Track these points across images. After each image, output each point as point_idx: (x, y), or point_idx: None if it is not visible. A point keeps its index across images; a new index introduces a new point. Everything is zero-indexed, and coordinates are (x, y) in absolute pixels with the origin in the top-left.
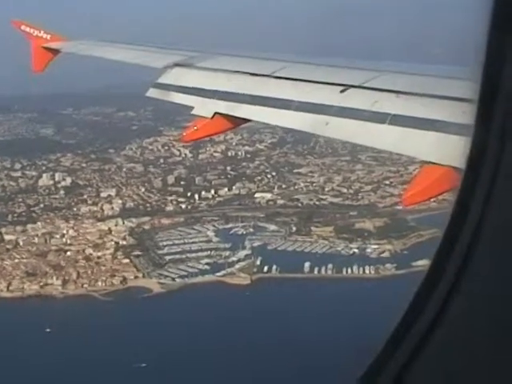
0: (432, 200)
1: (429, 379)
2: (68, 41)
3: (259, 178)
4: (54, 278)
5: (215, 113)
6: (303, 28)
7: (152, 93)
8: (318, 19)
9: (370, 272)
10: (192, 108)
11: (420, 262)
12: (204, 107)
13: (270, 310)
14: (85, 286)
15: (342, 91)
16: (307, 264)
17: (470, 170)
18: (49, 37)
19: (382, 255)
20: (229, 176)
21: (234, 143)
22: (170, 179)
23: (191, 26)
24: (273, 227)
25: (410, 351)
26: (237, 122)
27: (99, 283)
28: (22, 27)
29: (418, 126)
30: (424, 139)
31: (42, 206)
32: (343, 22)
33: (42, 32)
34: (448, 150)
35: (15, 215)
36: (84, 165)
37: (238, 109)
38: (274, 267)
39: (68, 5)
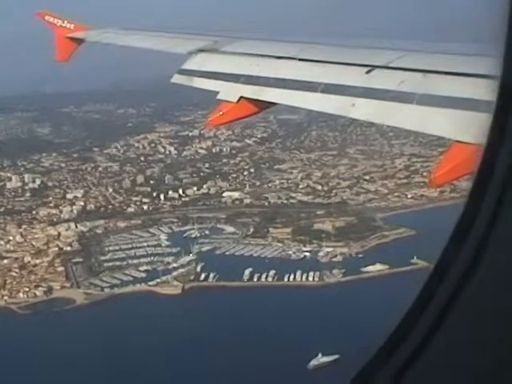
0: (410, 196)
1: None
2: (91, 30)
3: (234, 175)
4: None
5: (240, 97)
6: (320, 11)
7: (177, 79)
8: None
9: (313, 279)
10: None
11: (371, 268)
12: (229, 92)
13: (193, 322)
14: (5, 297)
15: (367, 72)
16: (247, 271)
17: (488, 154)
18: (72, 26)
19: (334, 259)
20: (202, 174)
21: (222, 139)
22: (140, 179)
23: (210, 12)
24: (230, 229)
25: (409, 353)
26: (262, 105)
27: (21, 294)
28: (46, 18)
29: (446, 104)
30: (452, 118)
31: (2, 209)
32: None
33: (65, 22)
34: (477, 128)
35: None
36: (63, 165)
37: (264, 92)
38: (212, 275)
39: None
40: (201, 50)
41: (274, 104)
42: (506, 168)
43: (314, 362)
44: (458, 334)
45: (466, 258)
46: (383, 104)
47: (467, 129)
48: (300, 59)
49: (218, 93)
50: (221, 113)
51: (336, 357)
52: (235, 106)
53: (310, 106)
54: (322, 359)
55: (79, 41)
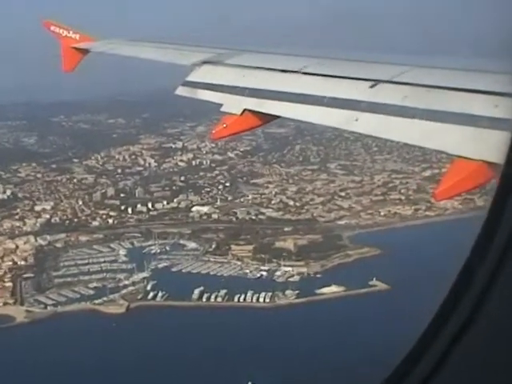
0: (383, 214)
1: None
2: (97, 40)
3: (208, 189)
4: None
5: (244, 109)
6: (323, 27)
7: (181, 91)
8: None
9: (264, 300)
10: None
11: (325, 289)
12: (233, 104)
13: (130, 344)
14: None
15: (371, 86)
16: (197, 290)
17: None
18: (78, 37)
19: (290, 279)
20: (174, 188)
21: (204, 151)
22: (110, 191)
23: (215, 25)
24: (192, 245)
25: (438, 358)
26: (266, 118)
27: None
28: (52, 28)
29: (449, 120)
30: (455, 133)
31: None
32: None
33: (71, 32)
34: (480, 145)
35: None
36: (39, 175)
37: (267, 105)
38: (161, 294)
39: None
40: (205, 62)
41: (277, 117)
42: None
43: None
44: (478, 349)
45: (486, 275)
46: (386, 118)
47: (470, 144)
48: (304, 73)
49: (215, 105)
50: (224, 125)
51: None
52: (239, 119)
53: (314, 119)
54: None
55: (84, 51)
